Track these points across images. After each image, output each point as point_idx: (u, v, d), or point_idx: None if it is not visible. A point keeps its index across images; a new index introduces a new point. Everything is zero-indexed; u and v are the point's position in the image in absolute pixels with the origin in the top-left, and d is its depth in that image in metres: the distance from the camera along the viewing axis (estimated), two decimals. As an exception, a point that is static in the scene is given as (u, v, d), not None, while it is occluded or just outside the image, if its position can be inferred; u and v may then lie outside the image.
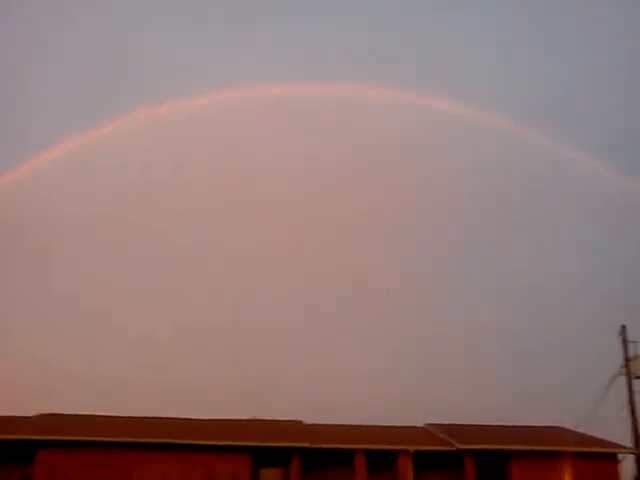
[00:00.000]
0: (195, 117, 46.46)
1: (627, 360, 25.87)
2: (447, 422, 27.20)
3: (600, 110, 51.34)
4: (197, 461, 23.74)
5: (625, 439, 25.02)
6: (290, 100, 45.60)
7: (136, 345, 41.69)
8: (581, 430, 26.45)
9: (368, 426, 27.50)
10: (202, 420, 26.66)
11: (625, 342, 26.21)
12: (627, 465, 24.90)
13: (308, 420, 27.06)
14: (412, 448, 24.33)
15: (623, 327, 26.50)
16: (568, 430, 27.15)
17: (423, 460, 24.03)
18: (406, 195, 50.10)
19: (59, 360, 39.35)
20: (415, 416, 28.47)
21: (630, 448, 24.75)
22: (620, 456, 24.69)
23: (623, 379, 25.71)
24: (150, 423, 25.96)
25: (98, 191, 48.50)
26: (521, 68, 52.56)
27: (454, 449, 24.32)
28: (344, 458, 24.03)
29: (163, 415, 26.87)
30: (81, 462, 23.22)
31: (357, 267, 49.18)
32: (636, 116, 50.31)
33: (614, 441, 25.03)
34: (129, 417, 26.39)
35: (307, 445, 23.93)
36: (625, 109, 50.31)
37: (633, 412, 25.35)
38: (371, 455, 24.13)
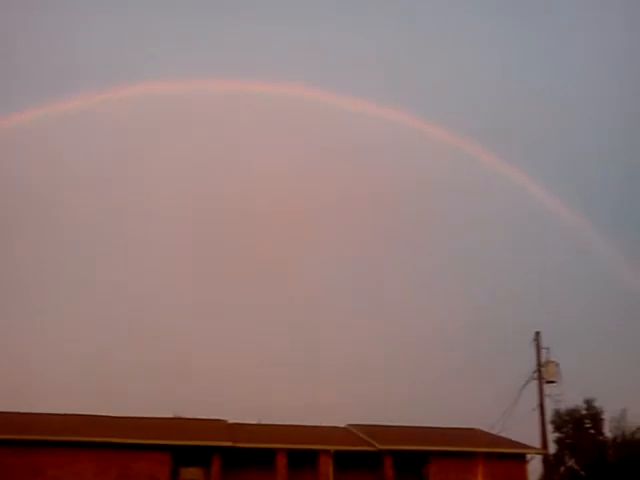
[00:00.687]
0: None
1: (539, 365, 27.21)
2: (368, 423, 27.67)
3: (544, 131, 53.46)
4: (113, 460, 23.01)
5: (534, 440, 26.34)
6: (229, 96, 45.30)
7: (55, 340, 40.25)
8: (495, 432, 27.63)
9: (290, 425, 27.53)
10: (121, 418, 25.93)
11: (538, 348, 27.57)
12: (535, 465, 26.25)
13: (231, 419, 26.90)
14: (333, 448, 24.55)
15: (537, 333, 27.86)
16: (482, 432, 28.27)
17: (344, 460, 24.30)
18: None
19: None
20: (337, 416, 28.90)
21: (538, 449, 26.06)
22: (529, 456, 25.86)
23: (535, 383, 27.07)
24: (64, 420, 25.02)
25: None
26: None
27: (374, 449, 24.74)
28: (266, 457, 23.98)
29: (81, 412, 26.00)
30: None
31: (276, 269, 49.45)
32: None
33: (525, 442, 26.14)
34: (41, 414, 25.41)
35: (228, 444, 23.71)
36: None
37: (542, 415, 26.71)
38: (292, 454, 24.17)
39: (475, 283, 48.99)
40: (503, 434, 27.27)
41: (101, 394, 34.47)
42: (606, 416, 28.27)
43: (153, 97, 43.80)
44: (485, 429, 28.26)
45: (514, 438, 26.53)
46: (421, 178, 49.77)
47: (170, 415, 28.91)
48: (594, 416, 28.80)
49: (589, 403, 29.09)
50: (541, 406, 26.70)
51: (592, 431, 28.50)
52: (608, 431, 27.93)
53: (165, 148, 50.79)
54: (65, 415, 25.48)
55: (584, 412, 28.78)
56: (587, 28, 55.18)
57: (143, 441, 23.20)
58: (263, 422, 28.36)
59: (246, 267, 49.89)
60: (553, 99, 52.39)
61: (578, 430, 28.21)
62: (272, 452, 24.10)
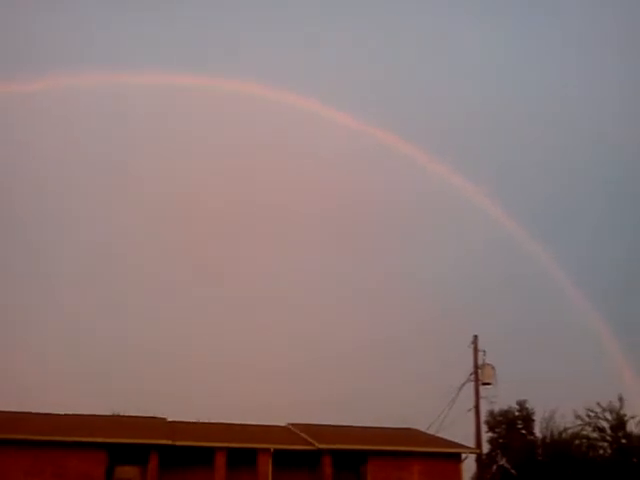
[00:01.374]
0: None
1: (476, 367, 28.07)
2: (308, 422, 27.88)
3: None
4: (47, 458, 22.46)
5: (469, 440, 27.14)
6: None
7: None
8: (431, 432, 28.32)
9: (230, 424, 27.45)
10: (56, 415, 25.31)
11: (475, 351, 28.43)
12: (469, 464, 27.03)
13: (170, 417, 26.60)
14: (272, 447, 24.59)
15: (475, 337, 28.73)
16: (419, 432, 28.92)
17: (284, 458, 24.40)
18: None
19: None
20: (278, 415, 28.98)
21: (472, 448, 26.87)
22: (463, 455, 26.60)
23: (472, 385, 27.90)
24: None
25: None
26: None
27: (313, 448, 24.93)
28: (205, 456, 23.83)
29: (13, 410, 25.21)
30: None
31: (215, 267, 49.12)
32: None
33: (460, 442, 26.88)
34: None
35: (167, 442, 23.42)
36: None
37: (478, 416, 27.58)
38: (232, 453, 24.10)
39: (414, 288, 49.82)
40: (439, 434, 28.01)
41: (36, 392, 33.45)
42: (537, 417, 29.47)
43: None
44: (422, 429, 28.95)
45: (450, 438, 27.24)
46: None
47: (108, 413, 28.33)
48: (525, 417, 29.88)
49: (521, 404, 30.20)
50: (477, 407, 27.57)
51: (523, 431, 29.58)
52: (538, 431, 29.11)
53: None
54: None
55: (517, 413, 29.86)
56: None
57: (78, 439, 22.73)
58: (202, 420, 28.15)
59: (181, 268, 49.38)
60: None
61: (510, 430, 29.22)
62: (211, 450, 23.96)
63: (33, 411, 25.32)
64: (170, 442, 23.33)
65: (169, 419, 26.59)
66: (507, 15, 57.37)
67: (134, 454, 23.28)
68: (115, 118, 48.76)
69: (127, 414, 27.39)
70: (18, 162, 46.48)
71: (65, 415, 25.42)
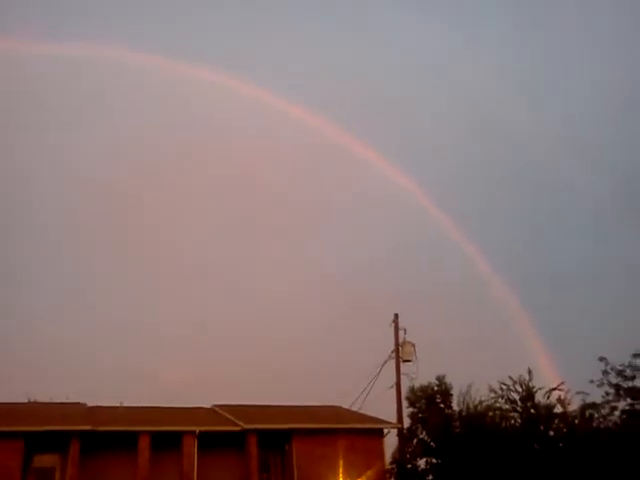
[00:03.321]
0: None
1: (397, 345, 28.92)
2: (233, 403, 27.93)
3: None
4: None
5: (391, 416, 28.01)
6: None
7: None
8: (354, 409, 29.02)
9: (153, 407, 27.13)
10: (-33, 404, 24.19)
11: (396, 329, 29.28)
12: (391, 439, 27.93)
13: (90, 403, 25.98)
14: (197, 429, 24.56)
15: (396, 315, 29.57)
16: (343, 409, 29.58)
17: (210, 440, 24.39)
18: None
19: None
20: (203, 397, 28.85)
21: (393, 423, 27.80)
22: (385, 430, 27.47)
23: (393, 362, 28.74)
24: None
25: None
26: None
27: (239, 429, 25.05)
28: (128, 440, 23.47)
29: None
30: None
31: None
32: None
33: (382, 418, 27.72)
34: None
35: (87, 428, 22.91)
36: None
37: (399, 392, 28.49)
38: (156, 436, 23.86)
39: (336, 265, 50.59)
40: (362, 411, 28.75)
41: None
42: (455, 392, 30.66)
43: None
44: (345, 407, 29.62)
45: (373, 414, 28.03)
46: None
47: (24, 400, 27.29)
48: (444, 391, 31.02)
49: (440, 379, 31.33)
50: (398, 384, 28.47)
51: (442, 405, 30.71)
52: (456, 405, 30.32)
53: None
54: None
55: (435, 388, 30.98)
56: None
57: (-9, 428, 21.85)
58: (125, 405, 27.63)
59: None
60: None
61: (430, 405, 30.25)
62: (134, 434, 23.63)
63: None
64: (90, 428, 22.82)
65: (89, 405, 25.93)
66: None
67: (54, 442, 22.63)
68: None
69: (44, 401, 26.47)
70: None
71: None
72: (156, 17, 53.74)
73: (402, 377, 28.62)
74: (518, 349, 35.72)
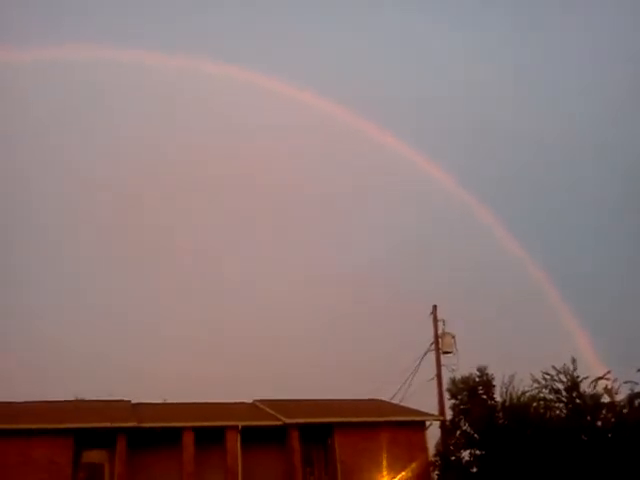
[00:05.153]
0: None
1: (436, 337, 28.68)
2: (274, 398, 28.11)
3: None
4: (11, 447, 22.16)
5: (432, 408, 27.82)
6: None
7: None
8: (395, 401, 28.91)
9: (196, 403, 27.51)
10: (19, 403, 24.91)
11: (435, 320, 29.02)
12: (433, 431, 27.74)
13: (135, 399, 26.47)
14: (240, 424, 24.77)
15: (434, 307, 29.29)
16: (384, 402, 29.48)
17: (251, 435, 24.61)
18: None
19: None
20: (244, 392, 29.12)
21: (435, 415, 27.58)
22: (427, 423, 27.29)
23: (433, 354, 28.52)
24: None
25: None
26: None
27: (280, 423, 25.19)
28: (172, 436, 23.85)
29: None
30: None
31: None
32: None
33: (423, 410, 27.54)
34: None
35: (133, 424, 23.35)
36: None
37: (440, 384, 28.26)
38: (199, 432, 24.18)
39: (369, 257, 50.35)
40: (403, 403, 28.63)
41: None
42: (497, 382, 30.31)
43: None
44: (386, 399, 29.52)
45: (413, 407, 27.87)
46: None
47: (71, 398, 27.96)
48: (486, 383, 30.71)
49: (482, 371, 31.01)
50: (438, 376, 28.24)
51: (484, 397, 30.40)
52: (499, 396, 29.93)
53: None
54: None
55: (477, 379, 30.67)
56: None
57: (43, 425, 22.51)
58: (168, 401, 28.10)
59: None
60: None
61: (472, 397, 29.99)
62: (178, 430, 24.00)
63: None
64: (136, 424, 23.25)
65: (133, 401, 26.43)
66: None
67: (101, 438, 23.16)
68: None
69: (90, 398, 27.10)
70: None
71: (27, 402, 25.04)
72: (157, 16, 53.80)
73: (442, 369, 28.33)
74: (561, 338, 35.06)
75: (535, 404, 28.32)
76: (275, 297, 47.02)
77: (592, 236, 50.87)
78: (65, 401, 26.18)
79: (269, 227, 50.76)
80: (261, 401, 27.97)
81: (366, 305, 45.50)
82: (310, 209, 52.00)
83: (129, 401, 26.34)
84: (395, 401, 28.91)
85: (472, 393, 29.95)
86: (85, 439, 23.02)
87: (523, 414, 27.43)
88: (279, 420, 25.33)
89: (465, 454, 28.51)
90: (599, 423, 26.63)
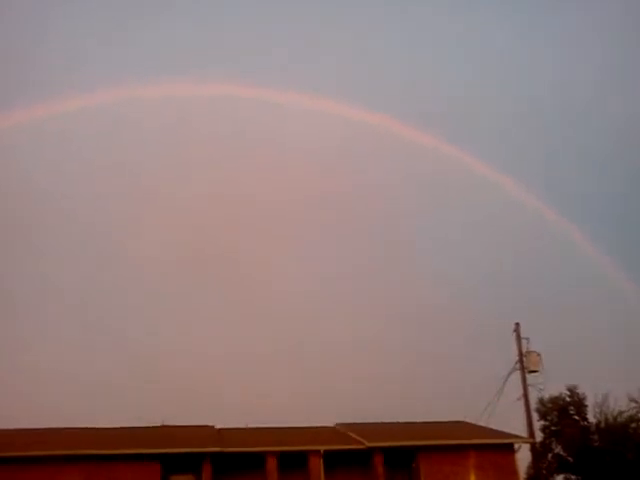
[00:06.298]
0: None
1: (521, 355, 27.57)
2: (356, 421, 27.75)
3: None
4: (102, 472, 22.79)
5: (519, 430, 26.68)
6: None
7: (33, 353, 39.71)
8: (481, 423, 27.91)
9: (278, 428, 27.51)
10: (107, 429, 25.71)
11: (519, 338, 27.94)
12: (523, 454, 26.55)
13: (218, 424, 26.78)
14: (322, 448, 24.55)
15: (517, 324, 28.24)
16: (469, 424, 28.53)
17: (334, 459, 24.33)
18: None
19: None
20: (324, 416, 28.91)
21: (525, 438, 26.38)
22: (516, 445, 26.14)
23: (518, 374, 27.42)
24: (49, 434, 24.78)
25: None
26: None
27: (363, 447, 24.79)
28: (256, 461, 23.92)
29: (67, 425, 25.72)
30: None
31: (246, 269, 49.50)
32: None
33: (511, 432, 26.43)
34: (23, 429, 25.19)
35: (218, 449, 23.58)
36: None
37: (527, 404, 27.07)
38: (282, 456, 24.14)
39: (453, 278, 49.44)
40: (489, 425, 27.58)
41: (84, 407, 34.08)
42: (589, 402, 28.76)
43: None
44: (471, 421, 28.56)
45: (499, 429, 26.81)
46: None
47: (157, 423, 28.63)
48: (577, 402, 29.24)
49: (572, 390, 29.57)
50: (525, 395, 27.08)
51: (576, 417, 28.92)
52: (592, 416, 28.39)
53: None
54: (49, 429, 25.30)
55: (567, 399, 29.22)
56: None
57: (131, 451, 23.06)
58: (251, 426, 28.25)
59: (226, 269, 49.91)
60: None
61: (563, 417, 28.60)
62: (262, 455, 24.04)
63: (83, 426, 25.81)
64: (220, 449, 23.48)
65: (217, 426, 26.75)
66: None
67: (186, 463, 23.49)
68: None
69: (175, 424, 27.61)
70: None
71: (116, 428, 25.80)
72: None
73: (529, 388, 27.15)
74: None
75: (634, 425, 26.75)
76: (365, 335, 46.62)
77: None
78: (150, 427, 26.80)
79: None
80: (342, 425, 27.68)
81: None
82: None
83: (213, 426, 26.67)
84: (480, 423, 27.93)
85: (563, 413, 28.65)
86: (171, 464, 23.41)
87: (621, 435, 25.96)
88: (362, 444, 24.93)
89: (559, 478, 27.21)
90: None
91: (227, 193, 50.38)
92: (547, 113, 53.94)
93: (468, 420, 28.80)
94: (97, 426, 25.89)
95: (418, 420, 28.31)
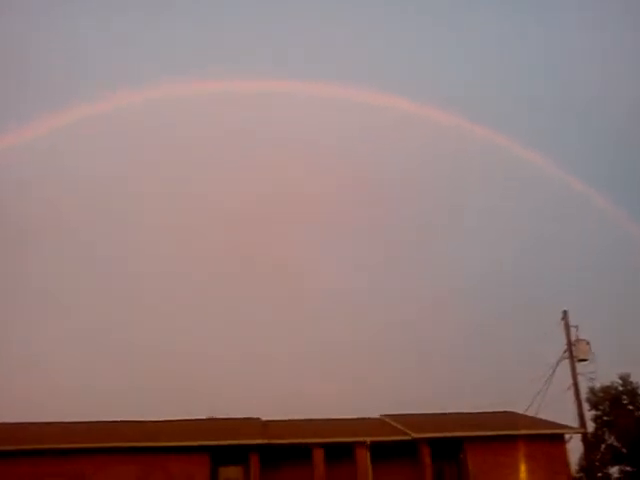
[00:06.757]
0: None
1: (570, 344, 26.94)
2: (401, 412, 27.63)
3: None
4: (155, 463, 23.38)
5: (571, 419, 26.08)
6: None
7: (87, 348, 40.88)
8: (530, 413, 27.42)
9: (324, 419, 27.62)
10: (157, 422, 26.29)
11: (567, 327, 27.29)
12: (574, 444, 25.97)
13: (265, 416, 27.06)
14: (369, 439, 24.54)
15: (565, 312, 27.59)
16: (518, 414, 28.04)
17: (380, 451, 24.31)
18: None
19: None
20: (370, 407, 28.90)
21: (576, 428, 25.79)
22: (567, 436, 25.59)
23: (567, 362, 26.81)
24: (103, 427, 25.49)
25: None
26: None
27: (410, 438, 24.68)
28: (302, 452, 24.09)
29: (118, 418, 26.42)
30: (30, 472, 22.49)
31: (291, 266, 49.68)
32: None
33: (561, 422, 25.87)
34: (80, 422, 25.93)
35: (265, 442, 23.85)
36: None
37: (577, 394, 26.45)
38: (329, 448, 24.24)
39: (498, 266, 48.67)
40: (538, 415, 27.07)
41: (130, 401, 34.93)
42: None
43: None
44: (519, 411, 28.08)
45: (549, 419, 26.28)
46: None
47: (205, 416, 29.16)
48: (630, 391, 28.37)
49: (624, 379, 28.72)
50: (575, 385, 26.46)
51: (630, 407, 28.09)
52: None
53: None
54: (103, 422, 26.06)
55: (620, 388, 28.39)
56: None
57: (182, 443, 23.62)
58: (296, 418, 28.43)
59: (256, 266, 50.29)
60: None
61: (615, 407, 27.80)
62: (308, 447, 24.20)
63: (133, 419, 26.47)
64: (267, 441, 23.75)
65: (263, 419, 27.04)
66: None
67: (234, 455, 23.85)
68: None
69: (223, 416, 28.06)
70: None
71: (166, 421, 26.36)
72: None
73: (579, 377, 26.52)
74: None
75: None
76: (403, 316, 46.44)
77: None
78: (198, 420, 27.29)
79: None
80: (388, 416, 27.60)
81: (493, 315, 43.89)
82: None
83: (259, 418, 26.97)
84: (529, 413, 27.43)
85: (615, 403, 27.90)
86: (220, 456, 23.82)
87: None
88: (408, 435, 24.83)
89: (613, 470, 26.52)
90: None
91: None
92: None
93: (516, 410, 28.32)
94: (146, 419, 26.47)
95: (463, 410, 28.02)
